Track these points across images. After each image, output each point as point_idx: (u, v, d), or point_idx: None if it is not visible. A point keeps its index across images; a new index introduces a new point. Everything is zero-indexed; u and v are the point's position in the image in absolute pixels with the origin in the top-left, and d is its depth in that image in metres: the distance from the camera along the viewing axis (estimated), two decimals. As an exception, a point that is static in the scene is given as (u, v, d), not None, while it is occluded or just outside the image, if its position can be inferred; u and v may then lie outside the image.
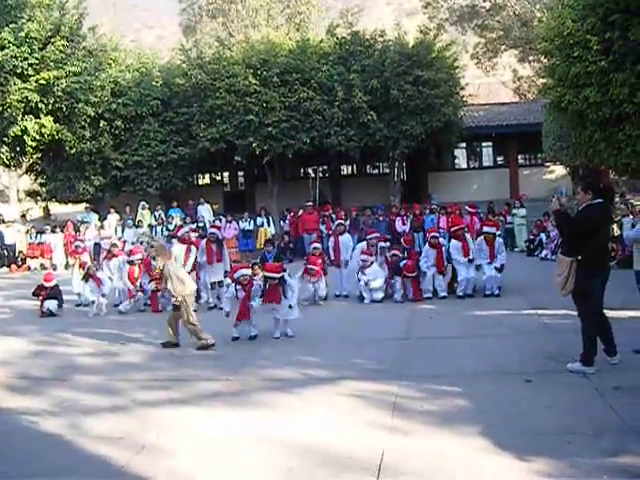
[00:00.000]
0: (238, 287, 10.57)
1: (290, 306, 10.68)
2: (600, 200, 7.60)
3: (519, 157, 32.17)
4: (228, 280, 14.10)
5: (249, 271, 10.94)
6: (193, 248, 13.74)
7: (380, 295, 13.88)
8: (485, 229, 14.09)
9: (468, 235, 14.27)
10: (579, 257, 7.46)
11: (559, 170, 30.45)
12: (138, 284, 14.11)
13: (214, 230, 14.68)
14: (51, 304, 13.98)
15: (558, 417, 6.25)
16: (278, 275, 10.73)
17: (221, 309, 12.85)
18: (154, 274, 13.60)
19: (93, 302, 13.85)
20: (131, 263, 14.34)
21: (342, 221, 15.52)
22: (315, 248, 14.72)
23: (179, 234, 14.21)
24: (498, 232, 14.80)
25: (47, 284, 14.32)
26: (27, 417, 7.10)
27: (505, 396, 6.99)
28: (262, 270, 11.48)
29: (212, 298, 14.09)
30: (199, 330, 10.10)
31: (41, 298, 14.10)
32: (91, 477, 5.61)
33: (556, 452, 5.40)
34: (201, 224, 21.54)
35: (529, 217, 23.06)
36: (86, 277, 14.06)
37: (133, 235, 22.81)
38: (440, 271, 13.80)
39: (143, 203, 26.08)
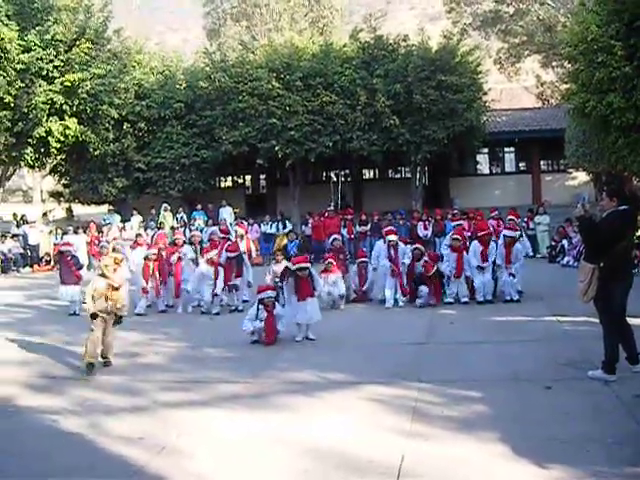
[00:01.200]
0: (260, 307, 10.43)
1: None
2: (625, 207, 7.53)
3: (542, 163, 32.00)
4: (246, 289, 14.09)
5: (274, 293, 10.77)
6: (220, 269, 13.57)
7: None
8: (505, 232, 13.79)
9: (494, 243, 13.77)
10: (602, 264, 7.41)
11: (582, 176, 30.26)
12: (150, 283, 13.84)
13: (231, 254, 13.59)
14: (72, 292, 13.78)
15: (577, 424, 6.21)
16: (307, 265, 10.86)
17: (240, 311, 13.00)
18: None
19: None
20: (146, 258, 13.97)
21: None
22: (335, 240, 14.62)
23: (207, 256, 13.81)
24: (518, 233, 14.56)
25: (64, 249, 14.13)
26: (48, 416, 7.17)
27: (524, 402, 6.97)
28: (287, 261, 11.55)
29: (229, 300, 14.03)
30: (93, 350, 9.23)
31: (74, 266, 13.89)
32: (111, 477, 5.66)
33: (574, 460, 5.37)
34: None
35: (551, 223, 22.90)
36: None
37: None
38: (458, 276, 13.53)
39: (165, 205, 26.19)
